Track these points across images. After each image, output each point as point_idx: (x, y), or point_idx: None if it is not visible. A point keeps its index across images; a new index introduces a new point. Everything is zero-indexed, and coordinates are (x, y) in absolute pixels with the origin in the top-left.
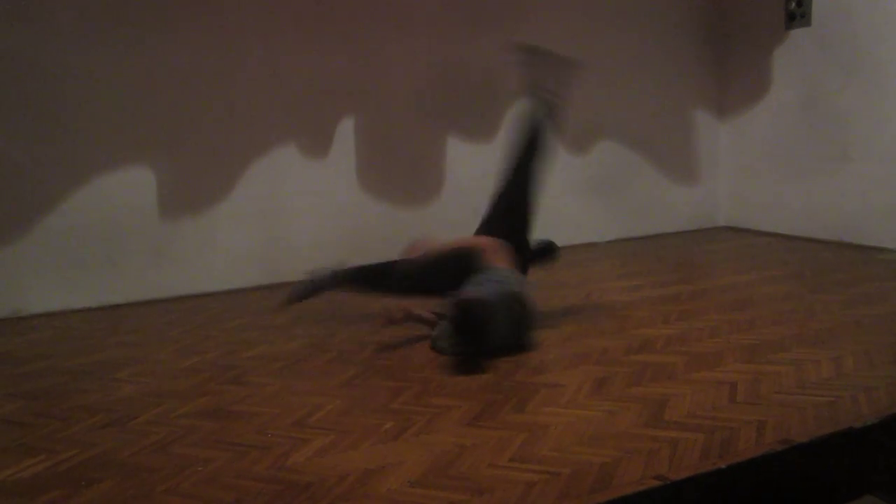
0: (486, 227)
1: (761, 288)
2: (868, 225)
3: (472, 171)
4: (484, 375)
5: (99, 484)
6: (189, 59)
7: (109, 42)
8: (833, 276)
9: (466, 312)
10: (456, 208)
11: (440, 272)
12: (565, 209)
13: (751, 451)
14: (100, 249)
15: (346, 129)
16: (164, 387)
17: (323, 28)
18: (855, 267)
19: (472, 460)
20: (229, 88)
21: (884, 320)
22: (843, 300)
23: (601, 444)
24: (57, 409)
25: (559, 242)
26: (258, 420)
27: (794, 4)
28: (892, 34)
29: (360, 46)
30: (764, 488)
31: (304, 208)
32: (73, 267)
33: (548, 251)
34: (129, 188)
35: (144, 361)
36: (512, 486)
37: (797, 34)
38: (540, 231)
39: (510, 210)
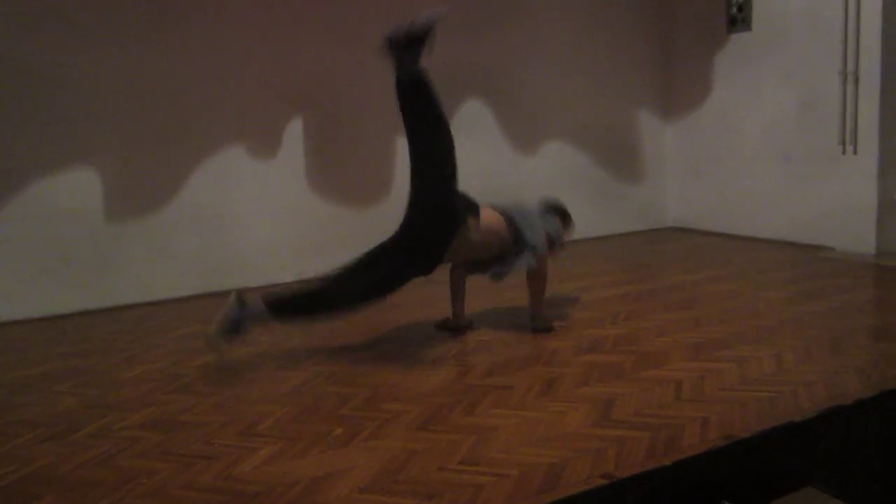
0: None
1: (707, 287)
2: (810, 224)
3: None
4: (434, 379)
5: (38, 501)
6: (134, 61)
7: (50, 43)
8: (776, 275)
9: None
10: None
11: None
12: None
13: (695, 448)
14: (41, 258)
15: (294, 132)
16: (108, 398)
17: (269, 31)
18: (797, 265)
19: (421, 464)
20: (175, 90)
21: (823, 316)
22: (785, 298)
23: (550, 445)
24: None
25: None
26: (204, 430)
27: (735, 9)
28: (826, 40)
29: (306, 48)
30: (708, 483)
31: (253, 212)
32: (13, 277)
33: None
34: (71, 194)
35: (88, 373)
36: (461, 489)
37: (738, 38)
38: None
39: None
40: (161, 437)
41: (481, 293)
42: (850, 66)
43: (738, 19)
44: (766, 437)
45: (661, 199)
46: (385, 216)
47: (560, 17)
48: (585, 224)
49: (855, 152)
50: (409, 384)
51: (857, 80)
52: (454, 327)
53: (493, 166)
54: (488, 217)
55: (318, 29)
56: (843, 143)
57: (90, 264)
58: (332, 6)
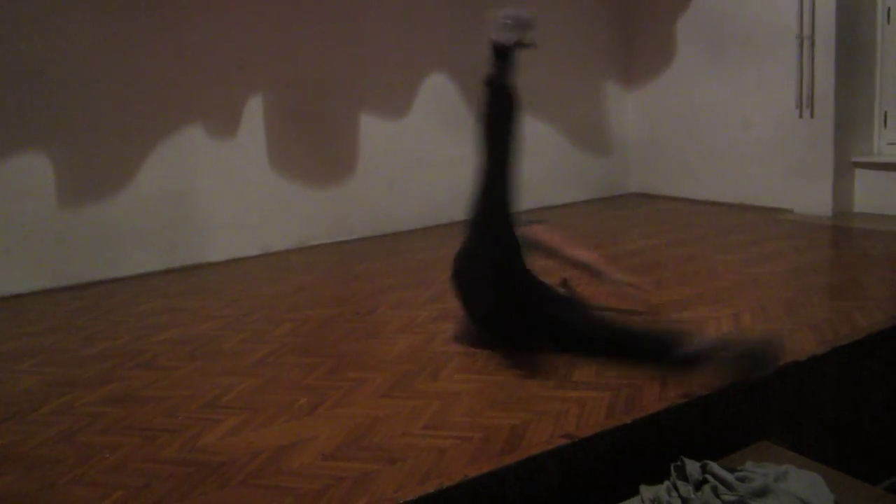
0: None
1: (668, 251)
2: (769, 188)
3: (385, 145)
4: (399, 347)
5: None
6: (85, 36)
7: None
8: (735, 238)
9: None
10: (369, 183)
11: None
12: None
13: (654, 406)
14: None
15: (255, 107)
16: (69, 376)
17: (227, 8)
18: (756, 228)
19: (385, 430)
20: (129, 66)
21: (780, 277)
22: (743, 260)
23: (512, 408)
24: None
25: None
26: (168, 403)
27: None
28: (783, 3)
29: (266, 22)
30: (667, 440)
31: (213, 189)
32: None
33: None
34: (22, 174)
35: (48, 351)
36: (425, 452)
37: (699, 3)
38: (450, 204)
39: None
40: (124, 412)
41: None
42: (807, 31)
43: None
44: (722, 395)
45: (624, 166)
46: (349, 191)
47: None
48: (548, 192)
49: (812, 115)
50: (375, 353)
51: (812, 44)
52: None
53: (456, 137)
54: None
55: (280, 6)
56: (800, 106)
57: (48, 243)
58: None
